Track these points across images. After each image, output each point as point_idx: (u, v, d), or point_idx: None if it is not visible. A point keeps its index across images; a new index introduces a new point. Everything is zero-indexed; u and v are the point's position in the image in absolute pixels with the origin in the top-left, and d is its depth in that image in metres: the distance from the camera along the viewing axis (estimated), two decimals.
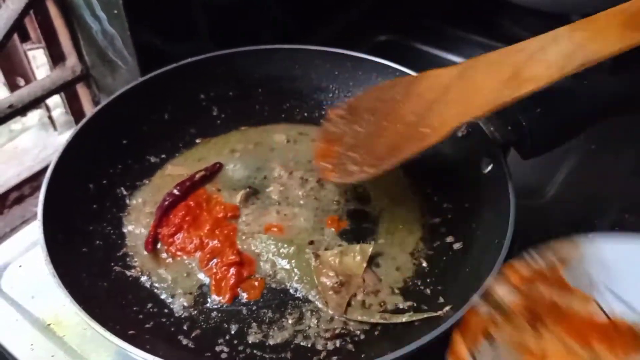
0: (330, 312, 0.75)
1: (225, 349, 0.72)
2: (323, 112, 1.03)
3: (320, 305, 0.76)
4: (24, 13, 0.95)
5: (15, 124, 1.23)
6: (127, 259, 0.82)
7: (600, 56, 0.65)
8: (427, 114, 0.75)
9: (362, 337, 0.73)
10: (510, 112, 0.88)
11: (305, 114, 1.04)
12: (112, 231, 0.85)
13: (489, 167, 0.84)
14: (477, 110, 0.71)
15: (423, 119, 0.75)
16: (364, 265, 0.79)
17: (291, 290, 0.79)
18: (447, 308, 0.70)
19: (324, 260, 0.80)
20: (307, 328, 0.74)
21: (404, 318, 0.74)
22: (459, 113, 0.72)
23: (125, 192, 0.90)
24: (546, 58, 0.65)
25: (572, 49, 0.64)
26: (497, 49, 1.29)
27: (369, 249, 0.81)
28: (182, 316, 0.75)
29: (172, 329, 0.73)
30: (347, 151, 0.82)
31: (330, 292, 0.76)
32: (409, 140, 0.76)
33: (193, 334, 0.73)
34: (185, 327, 0.74)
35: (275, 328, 0.74)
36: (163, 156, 0.96)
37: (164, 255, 0.83)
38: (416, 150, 0.75)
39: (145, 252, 0.82)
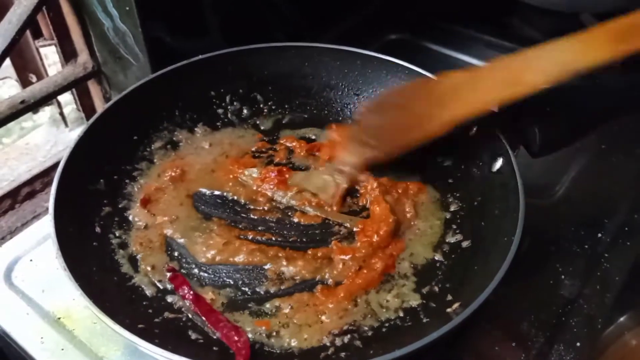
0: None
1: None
2: (332, 110, 1.04)
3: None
4: (36, 10, 0.96)
5: (27, 121, 1.24)
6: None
7: (591, 65, 0.73)
8: (438, 108, 0.82)
9: (370, 333, 0.73)
10: (520, 110, 0.88)
11: (315, 112, 1.05)
12: (123, 226, 0.85)
13: (498, 165, 0.84)
14: (479, 107, 0.79)
15: (433, 113, 0.82)
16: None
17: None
18: (456, 305, 0.70)
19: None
20: None
21: None
22: (463, 109, 0.80)
23: (136, 188, 0.90)
24: (543, 65, 0.73)
25: (567, 58, 0.71)
26: (506, 48, 1.31)
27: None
28: (192, 311, 0.76)
29: (181, 324, 0.74)
30: (367, 137, 0.89)
31: None
32: (416, 130, 0.83)
33: (202, 329, 0.73)
34: (194, 322, 0.74)
35: None
36: (174, 152, 0.96)
37: None
38: (419, 138, 0.83)
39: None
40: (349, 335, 0.73)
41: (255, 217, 0.88)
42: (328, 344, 0.72)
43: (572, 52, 0.71)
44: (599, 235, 0.92)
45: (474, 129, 0.89)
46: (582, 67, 0.73)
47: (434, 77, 0.91)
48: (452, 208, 0.88)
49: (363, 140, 0.90)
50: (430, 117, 0.83)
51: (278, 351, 0.72)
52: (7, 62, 1.07)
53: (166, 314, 0.75)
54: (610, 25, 0.70)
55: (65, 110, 1.23)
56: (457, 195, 0.89)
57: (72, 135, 1.19)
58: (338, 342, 0.72)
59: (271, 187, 0.90)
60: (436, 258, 0.82)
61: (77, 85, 1.12)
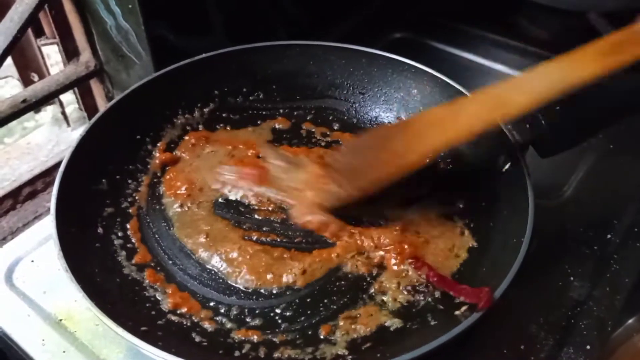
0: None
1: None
2: (337, 109, 1.03)
3: None
4: (38, 8, 0.95)
5: (29, 121, 1.23)
6: None
7: (581, 81, 0.71)
8: (414, 141, 0.79)
9: (377, 336, 0.72)
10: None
11: (319, 111, 1.03)
12: (125, 226, 0.84)
13: (507, 166, 0.83)
14: (461, 133, 0.76)
15: (410, 146, 0.79)
16: None
17: None
18: (465, 308, 0.69)
19: None
20: None
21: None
22: (443, 137, 0.77)
23: (139, 188, 0.89)
24: (531, 87, 0.72)
25: (556, 78, 0.71)
26: (511, 47, 1.30)
27: None
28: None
29: (185, 326, 0.73)
30: (336, 177, 0.85)
31: None
32: (391, 164, 0.80)
33: (206, 331, 0.72)
34: (198, 324, 0.73)
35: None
36: (177, 152, 0.95)
37: None
38: (394, 172, 0.79)
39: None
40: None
41: (260, 218, 0.87)
42: None
43: (561, 71, 0.72)
44: (608, 236, 0.91)
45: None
46: (570, 85, 0.72)
47: (410, 117, 0.90)
48: (460, 209, 0.86)
49: (336, 179, 0.85)
50: (406, 150, 0.80)
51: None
52: (9, 61, 1.06)
53: (169, 316, 0.73)
54: (599, 42, 0.71)
55: (67, 110, 1.22)
56: (465, 195, 0.87)
57: (74, 134, 1.18)
58: None
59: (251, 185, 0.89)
60: None
61: (79, 84, 1.11)
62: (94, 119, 0.87)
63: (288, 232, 0.85)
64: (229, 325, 0.73)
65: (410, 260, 0.78)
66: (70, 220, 0.76)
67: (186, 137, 0.97)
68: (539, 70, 0.73)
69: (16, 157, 1.14)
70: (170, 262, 0.81)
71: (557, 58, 0.72)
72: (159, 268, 0.80)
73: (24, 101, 0.99)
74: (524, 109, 0.74)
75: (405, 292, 0.76)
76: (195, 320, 0.73)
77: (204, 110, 1.00)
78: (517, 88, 0.73)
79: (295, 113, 1.03)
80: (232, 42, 1.00)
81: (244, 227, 0.85)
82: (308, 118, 1.02)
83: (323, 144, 0.98)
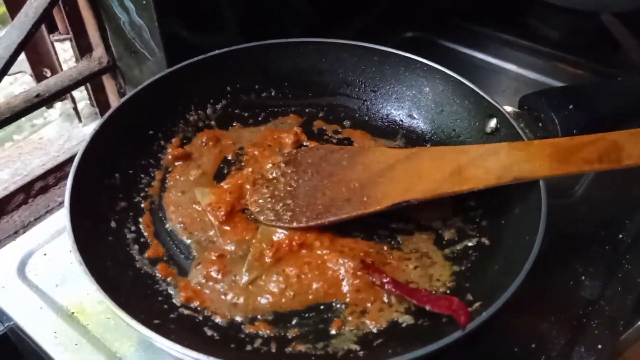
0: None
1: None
2: (348, 107, 1.03)
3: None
4: (52, 3, 0.95)
5: (38, 118, 1.24)
6: None
7: (532, 177, 0.75)
8: (371, 184, 0.81)
9: (388, 332, 0.72)
10: (541, 108, 0.87)
11: (331, 108, 1.03)
12: (138, 221, 0.84)
13: None
14: (418, 193, 0.77)
15: (366, 188, 0.81)
16: None
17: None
18: (477, 305, 0.69)
19: None
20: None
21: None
22: (401, 191, 0.78)
23: (151, 183, 0.90)
24: (486, 165, 0.74)
25: (508, 163, 0.74)
26: (522, 47, 1.30)
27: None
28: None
29: (197, 320, 0.73)
30: (284, 198, 0.85)
31: None
32: (350, 204, 0.80)
33: (218, 325, 0.73)
34: (210, 318, 0.73)
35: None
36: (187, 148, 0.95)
37: None
38: (355, 214, 0.79)
39: None
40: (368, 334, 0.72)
41: None
42: None
43: (514, 159, 0.73)
44: (620, 235, 0.91)
45: (493, 124, 0.87)
46: (524, 176, 0.74)
47: (363, 147, 0.90)
48: (472, 206, 0.86)
49: (280, 200, 0.84)
50: (364, 192, 0.79)
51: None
52: (22, 56, 1.06)
53: (181, 310, 0.74)
54: (552, 142, 0.72)
55: (79, 106, 1.22)
56: (476, 193, 0.87)
57: (86, 130, 1.19)
58: None
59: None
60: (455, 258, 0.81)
61: (92, 80, 1.11)
62: (107, 114, 0.87)
63: None
64: (240, 319, 0.74)
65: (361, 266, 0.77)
66: (84, 213, 0.77)
67: (197, 136, 0.97)
68: (492, 149, 0.74)
69: (28, 152, 1.15)
70: (182, 256, 0.81)
71: (508, 143, 0.74)
72: (171, 262, 0.80)
73: (37, 96, 0.99)
74: (478, 186, 0.76)
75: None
76: (207, 314, 0.74)
77: (216, 106, 1.00)
78: (473, 160, 0.74)
79: (307, 110, 1.03)
80: (245, 39, 1.00)
81: None
82: (320, 115, 1.02)
83: (334, 141, 0.98)
